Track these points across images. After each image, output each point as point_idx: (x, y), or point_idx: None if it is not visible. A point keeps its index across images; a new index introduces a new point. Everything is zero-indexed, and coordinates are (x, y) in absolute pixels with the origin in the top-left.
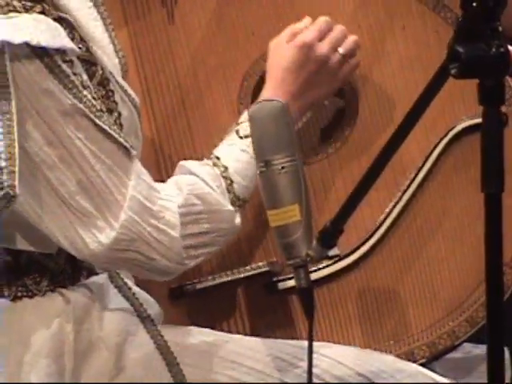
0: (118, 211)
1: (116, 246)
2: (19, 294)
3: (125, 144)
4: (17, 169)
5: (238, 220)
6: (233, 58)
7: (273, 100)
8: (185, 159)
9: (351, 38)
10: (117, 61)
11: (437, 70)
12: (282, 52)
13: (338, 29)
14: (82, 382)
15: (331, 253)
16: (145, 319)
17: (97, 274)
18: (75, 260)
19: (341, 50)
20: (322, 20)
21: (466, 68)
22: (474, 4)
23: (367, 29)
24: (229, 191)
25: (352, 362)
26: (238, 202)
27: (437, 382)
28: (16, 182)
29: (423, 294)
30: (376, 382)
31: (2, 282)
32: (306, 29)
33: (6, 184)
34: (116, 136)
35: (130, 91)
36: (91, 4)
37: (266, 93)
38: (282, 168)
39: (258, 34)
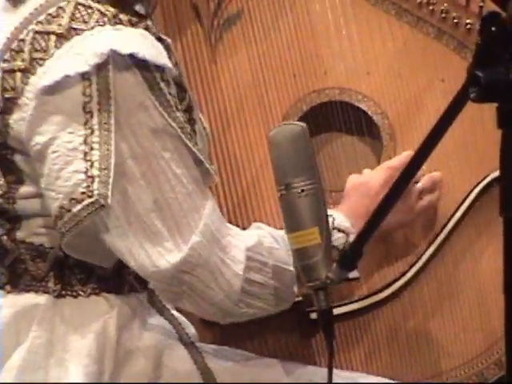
0: (188, 235)
1: (181, 266)
2: (63, 292)
3: (210, 169)
4: (111, 180)
5: (295, 288)
6: (274, 98)
7: (294, 123)
8: (224, 187)
9: (432, 177)
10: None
11: (456, 93)
12: (376, 173)
13: (438, 192)
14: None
15: (351, 275)
16: (183, 337)
17: (137, 291)
18: (121, 272)
19: (419, 184)
20: (428, 178)
21: (486, 92)
22: (493, 28)
23: (406, 78)
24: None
25: None
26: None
27: None
28: (109, 193)
29: (452, 334)
30: None
31: (48, 278)
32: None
33: (96, 192)
34: (204, 161)
35: (206, 124)
36: None
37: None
38: (302, 191)
39: (299, 77)
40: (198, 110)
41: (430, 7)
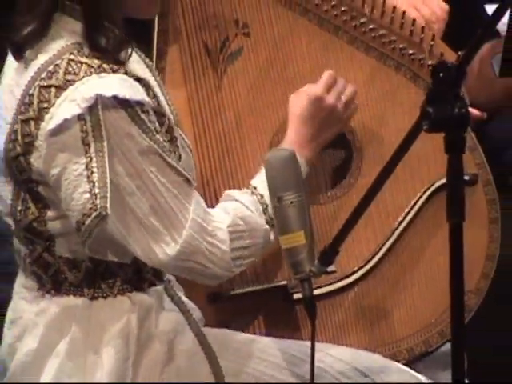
0: (181, 230)
1: (179, 256)
2: (96, 294)
3: (188, 177)
4: (108, 194)
5: (272, 236)
6: (267, 118)
7: (283, 149)
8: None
9: (350, 88)
10: (172, 116)
11: (412, 125)
12: (299, 102)
13: (341, 81)
14: (143, 367)
15: (329, 269)
16: (191, 321)
17: (155, 285)
18: (140, 272)
19: (343, 98)
20: (328, 74)
21: (435, 124)
22: (441, 74)
23: (372, 102)
24: (264, 213)
25: (350, 359)
26: (271, 221)
27: (413, 375)
28: (108, 205)
29: (405, 310)
30: (369, 375)
31: (83, 284)
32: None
33: (99, 206)
34: (181, 170)
35: (186, 138)
36: (150, 73)
37: (287, 138)
38: (291, 203)
39: (287, 101)
40: (177, 129)
41: (392, 45)
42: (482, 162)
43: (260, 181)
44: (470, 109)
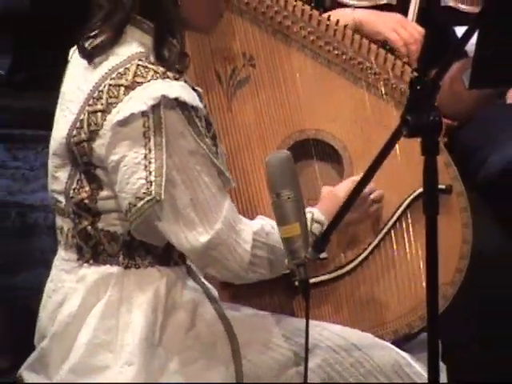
0: (213, 223)
1: (208, 245)
2: (129, 264)
3: (229, 178)
4: (163, 183)
5: (286, 260)
6: (270, 136)
7: (282, 151)
8: (236, 196)
9: (379, 191)
10: None
11: (393, 131)
12: (344, 185)
13: (373, 186)
14: (168, 330)
15: (321, 256)
16: (210, 297)
17: (179, 265)
18: (169, 251)
19: (373, 195)
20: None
21: (413, 130)
22: (418, 87)
23: (361, 124)
24: None
25: (345, 335)
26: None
27: (399, 352)
28: (162, 192)
29: (391, 298)
30: (361, 348)
31: (119, 255)
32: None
33: (153, 192)
34: (224, 171)
35: (223, 148)
36: None
37: (321, 205)
38: (288, 198)
39: (288, 121)
40: (219, 138)
41: (376, 76)
42: (456, 176)
43: None
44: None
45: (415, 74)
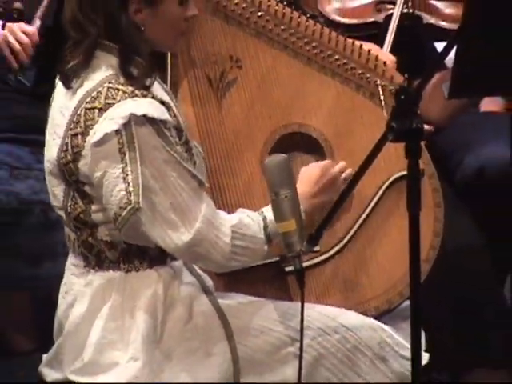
0: (194, 223)
1: (191, 243)
2: (129, 268)
3: (201, 180)
4: (140, 192)
5: (265, 248)
6: (257, 132)
7: (280, 155)
8: (228, 190)
9: (349, 170)
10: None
11: (380, 137)
12: (311, 168)
13: (342, 163)
14: (168, 325)
15: (315, 249)
16: (205, 289)
17: (176, 259)
18: (164, 251)
19: (343, 175)
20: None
21: (397, 136)
22: (402, 97)
23: (341, 117)
24: (265, 230)
25: (331, 314)
26: (268, 237)
27: (382, 327)
28: (140, 200)
29: (372, 277)
30: (348, 327)
31: (120, 261)
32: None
33: (133, 201)
34: (197, 175)
35: (199, 147)
36: (168, 97)
37: (299, 189)
38: (285, 197)
39: (273, 117)
40: (192, 141)
41: (352, 71)
42: (427, 159)
43: (268, 208)
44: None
45: (395, 73)
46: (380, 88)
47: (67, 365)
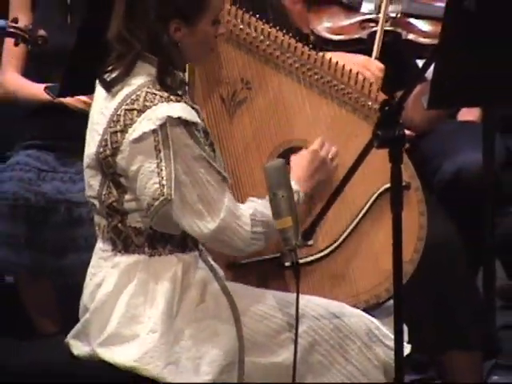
0: (218, 213)
1: (216, 230)
2: (153, 253)
3: (225, 176)
4: (173, 186)
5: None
6: (264, 144)
7: (277, 160)
8: (236, 191)
9: (334, 149)
10: None
11: (366, 143)
12: (300, 155)
13: (328, 144)
14: (183, 304)
15: (309, 243)
16: (217, 277)
17: (193, 250)
18: (184, 240)
19: (330, 155)
20: (320, 140)
21: (382, 142)
22: (387, 108)
23: (337, 134)
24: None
25: (325, 305)
26: None
27: (369, 318)
28: (172, 192)
29: (363, 274)
30: (339, 316)
31: (145, 246)
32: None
33: (166, 193)
34: (221, 171)
35: (219, 153)
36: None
37: (292, 175)
38: (282, 197)
39: (278, 132)
40: (219, 146)
41: (349, 95)
42: (413, 175)
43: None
44: (406, 130)
45: (381, 93)
46: (373, 111)
47: (93, 337)
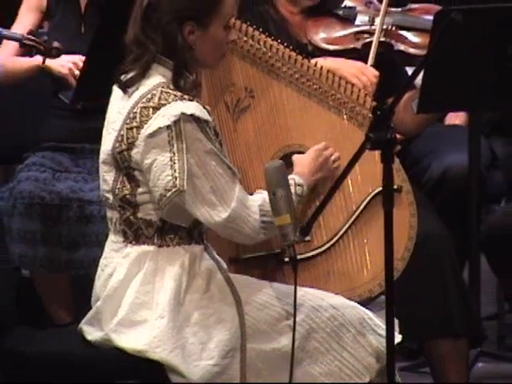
0: (229, 203)
1: (227, 219)
2: (162, 244)
3: (235, 170)
4: (185, 178)
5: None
6: (266, 149)
7: (276, 161)
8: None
9: (337, 153)
10: None
11: (359, 146)
12: (306, 153)
13: (331, 148)
14: (189, 292)
15: (306, 239)
16: (221, 269)
17: (199, 243)
18: (191, 233)
19: (333, 157)
20: (324, 143)
21: (374, 145)
22: (379, 112)
23: (333, 139)
24: None
25: (323, 296)
26: None
27: (363, 310)
28: (185, 183)
29: (358, 269)
30: (336, 307)
31: (154, 237)
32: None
33: (178, 184)
34: (231, 166)
35: (226, 153)
36: None
37: (297, 170)
38: (281, 196)
39: (279, 138)
40: (225, 149)
41: (345, 104)
42: (405, 179)
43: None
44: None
45: (374, 102)
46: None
47: (105, 322)
